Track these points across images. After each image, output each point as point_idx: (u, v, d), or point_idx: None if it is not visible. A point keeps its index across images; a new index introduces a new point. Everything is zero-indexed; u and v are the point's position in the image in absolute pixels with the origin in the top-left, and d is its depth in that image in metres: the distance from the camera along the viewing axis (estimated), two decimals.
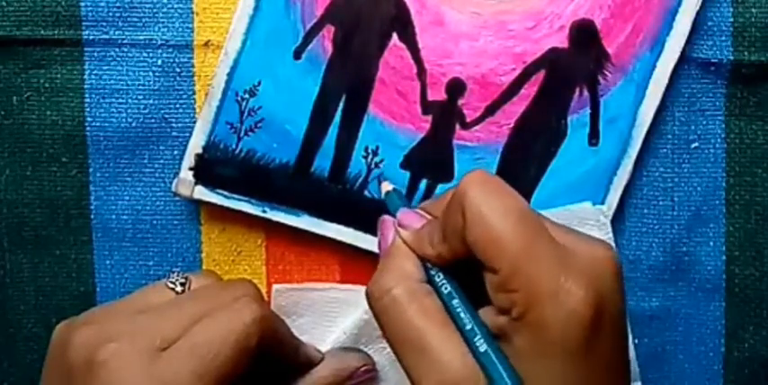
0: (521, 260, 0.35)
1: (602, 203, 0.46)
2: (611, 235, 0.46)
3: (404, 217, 0.42)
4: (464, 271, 0.38)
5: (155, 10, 0.47)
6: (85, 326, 0.40)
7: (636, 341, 0.48)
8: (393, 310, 0.38)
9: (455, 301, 0.38)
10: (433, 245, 0.39)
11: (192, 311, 0.40)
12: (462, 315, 0.37)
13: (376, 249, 0.46)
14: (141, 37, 0.47)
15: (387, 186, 0.46)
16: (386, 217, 0.43)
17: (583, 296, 0.34)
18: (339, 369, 0.46)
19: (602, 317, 0.35)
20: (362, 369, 0.46)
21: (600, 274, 0.36)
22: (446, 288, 0.39)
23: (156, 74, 0.47)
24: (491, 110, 0.46)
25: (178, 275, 0.44)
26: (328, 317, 0.48)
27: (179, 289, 0.43)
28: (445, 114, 0.46)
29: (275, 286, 0.48)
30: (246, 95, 0.46)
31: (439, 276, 0.39)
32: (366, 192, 0.47)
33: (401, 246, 0.41)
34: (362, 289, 0.46)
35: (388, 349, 0.47)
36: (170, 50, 0.47)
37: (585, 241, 0.37)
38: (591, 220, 0.46)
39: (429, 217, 0.42)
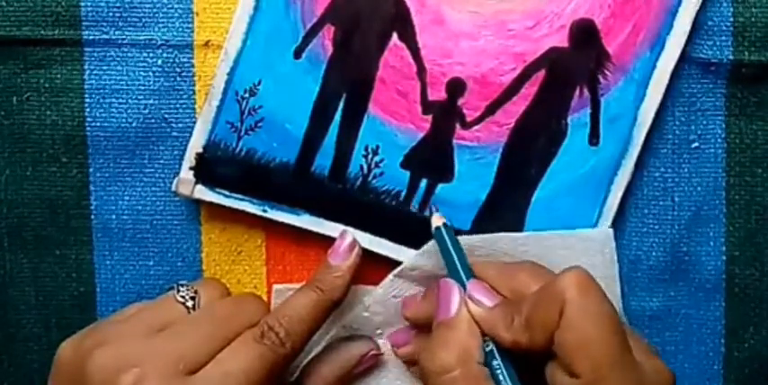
0: (606, 371, 0.36)
1: (603, 203, 0.46)
2: (614, 256, 0.46)
3: (475, 290, 0.42)
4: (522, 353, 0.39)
5: (155, 10, 0.47)
6: (101, 347, 0.40)
7: None
8: None
9: None
10: (511, 330, 0.39)
11: (210, 333, 0.41)
12: None
13: (375, 249, 0.46)
14: (141, 37, 0.47)
15: (438, 220, 0.45)
16: (451, 282, 0.42)
17: None
18: (345, 359, 0.46)
19: None
20: (369, 355, 0.46)
21: None
22: (503, 375, 0.39)
23: (156, 74, 0.47)
24: (491, 109, 0.46)
25: (186, 288, 0.44)
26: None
27: (189, 304, 0.43)
28: (445, 114, 0.46)
29: (275, 286, 0.48)
30: (247, 95, 0.46)
31: (497, 360, 0.39)
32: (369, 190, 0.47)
33: (468, 321, 0.41)
34: (361, 287, 0.47)
35: (389, 345, 0.47)
36: (170, 50, 0.47)
37: (650, 355, 0.39)
38: (596, 245, 0.46)
39: (497, 295, 0.41)
